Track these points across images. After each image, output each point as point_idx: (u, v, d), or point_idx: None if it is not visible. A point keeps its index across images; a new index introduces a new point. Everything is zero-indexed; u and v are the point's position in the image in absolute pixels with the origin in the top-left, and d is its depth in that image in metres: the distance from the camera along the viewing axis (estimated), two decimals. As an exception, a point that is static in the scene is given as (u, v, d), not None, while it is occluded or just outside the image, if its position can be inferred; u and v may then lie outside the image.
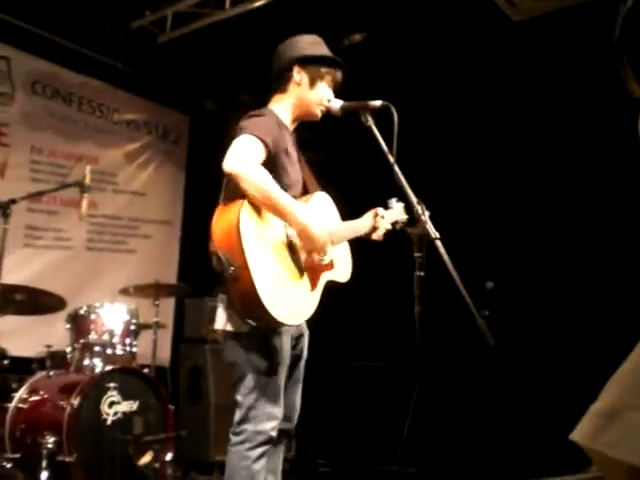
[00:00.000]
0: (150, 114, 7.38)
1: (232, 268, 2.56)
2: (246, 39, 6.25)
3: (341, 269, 3.09)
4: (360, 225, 3.14)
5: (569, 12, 5.26)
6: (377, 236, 3.16)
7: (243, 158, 2.67)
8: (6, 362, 4.84)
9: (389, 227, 3.17)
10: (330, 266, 2.96)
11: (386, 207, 3.23)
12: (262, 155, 2.74)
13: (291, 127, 3.12)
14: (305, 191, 3.12)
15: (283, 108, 3.08)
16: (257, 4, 5.85)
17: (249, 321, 2.68)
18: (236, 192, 2.69)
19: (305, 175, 3.15)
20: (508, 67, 5.79)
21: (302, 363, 3.11)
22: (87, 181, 4.43)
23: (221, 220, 2.67)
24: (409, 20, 5.78)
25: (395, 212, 3.24)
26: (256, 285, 2.54)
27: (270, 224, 2.75)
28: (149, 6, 6.33)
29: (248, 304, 2.63)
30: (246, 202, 2.66)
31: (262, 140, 2.74)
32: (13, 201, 4.36)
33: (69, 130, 6.67)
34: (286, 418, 3.00)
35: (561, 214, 5.49)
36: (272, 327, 2.71)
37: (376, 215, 3.15)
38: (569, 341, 5.19)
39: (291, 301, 2.72)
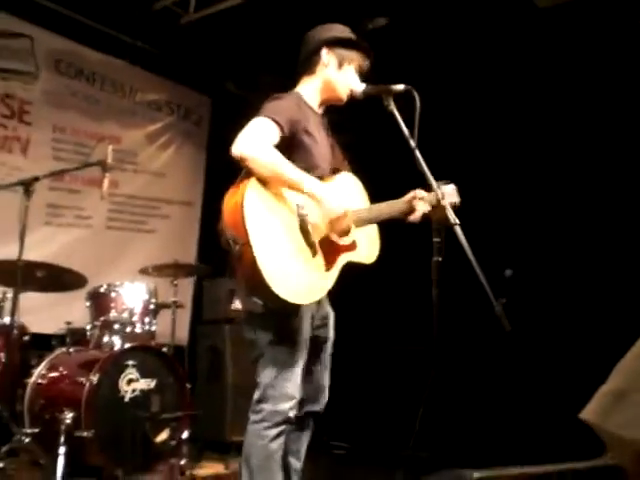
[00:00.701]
0: (172, 95, 7.41)
1: (237, 246, 2.60)
2: (269, 21, 6.23)
3: (365, 250, 3.07)
4: (393, 208, 3.05)
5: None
6: (414, 218, 3.02)
7: (250, 141, 2.69)
8: (26, 338, 4.92)
9: (427, 209, 2.99)
10: (351, 247, 2.96)
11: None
12: (275, 135, 2.76)
13: (318, 109, 3.14)
14: (335, 173, 3.13)
15: (310, 90, 3.11)
16: (281, -15, 5.83)
17: (255, 299, 2.70)
18: (248, 173, 2.72)
19: (336, 158, 3.17)
20: (532, 52, 5.74)
21: (329, 345, 3.11)
22: (109, 160, 4.45)
23: (230, 199, 2.70)
24: (433, 4, 5.75)
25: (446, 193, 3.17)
26: (258, 262, 2.55)
27: (281, 203, 2.75)
28: (173, -14, 6.33)
29: (252, 281, 2.65)
30: (253, 181, 2.68)
31: (275, 121, 2.76)
32: (36, 179, 4.38)
33: (92, 109, 6.70)
34: (315, 400, 3.03)
35: (582, 202, 5.47)
36: (280, 305, 2.68)
37: (414, 197, 3.03)
38: (585, 328, 5.18)
39: (298, 279, 2.71)
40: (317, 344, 3.02)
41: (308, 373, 2.97)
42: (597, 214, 5.37)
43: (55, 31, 6.41)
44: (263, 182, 2.71)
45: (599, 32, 5.37)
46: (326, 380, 3.11)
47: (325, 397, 3.11)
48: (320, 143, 3.01)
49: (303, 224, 2.77)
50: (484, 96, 6.01)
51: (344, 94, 3.10)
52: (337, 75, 3.08)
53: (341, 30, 3.15)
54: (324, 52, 3.08)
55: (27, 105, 6.24)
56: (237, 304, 2.86)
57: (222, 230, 2.66)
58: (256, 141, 2.70)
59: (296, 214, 2.77)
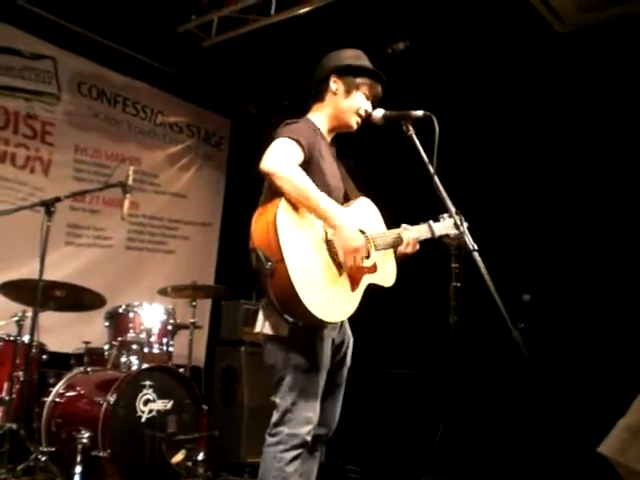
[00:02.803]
0: (193, 117, 7.48)
1: (269, 263, 2.60)
2: (290, 45, 6.29)
3: (385, 274, 3.08)
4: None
5: (615, 24, 5.24)
6: (403, 248, 3.05)
7: (280, 158, 2.73)
8: (45, 357, 4.95)
9: (415, 235, 3.05)
10: (372, 269, 2.97)
11: (436, 219, 3.18)
12: (299, 156, 2.80)
13: (328, 137, 3.16)
14: (347, 200, 3.15)
15: (320, 118, 3.13)
16: (302, 11, 5.89)
17: (287, 317, 2.70)
18: (275, 194, 2.74)
19: (347, 185, 3.18)
20: (553, 78, 5.75)
21: (344, 370, 3.11)
22: (130, 182, 4.49)
23: (260, 218, 2.72)
24: (453, 29, 5.78)
25: (445, 225, 3.19)
26: (292, 278, 2.57)
27: (309, 222, 2.77)
28: (195, 11, 6.40)
29: (285, 298, 2.64)
30: (284, 200, 2.70)
31: (298, 142, 2.80)
32: (58, 199, 4.42)
33: (113, 131, 6.78)
34: (324, 424, 3.01)
35: (600, 228, 5.45)
36: (310, 323, 2.70)
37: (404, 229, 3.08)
38: (605, 355, 5.15)
39: (328, 298, 2.72)
40: (333, 369, 3.02)
41: (321, 397, 2.97)
42: (617, 239, 5.34)
43: (78, 53, 6.50)
44: (290, 200, 2.73)
45: (619, 56, 5.37)
46: (338, 405, 3.10)
47: (335, 422, 3.09)
48: (332, 169, 3.02)
49: (330, 244, 2.79)
50: (503, 121, 6.01)
51: (353, 121, 3.11)
52: (345, 102, 3.09)
53: (352, 56, 3.16)
54: (332, 80, 3.10)
55: (49, 126, 6.32)
56: (258, 327, 2.85)
57: (252, 249, 2.68)
58: (283, 158, 2.73)
59: (322, 232, 2.79)
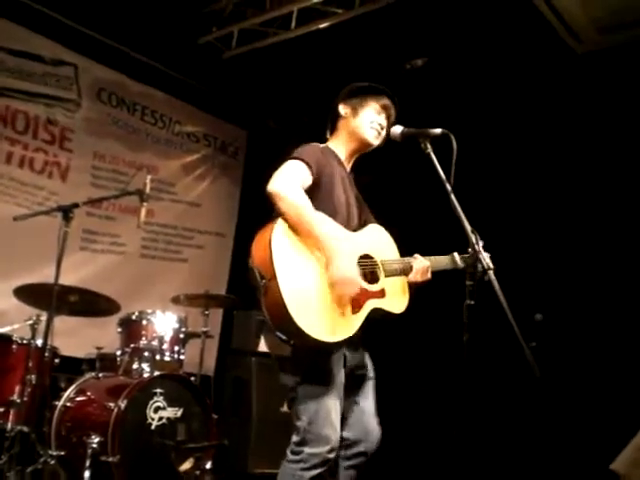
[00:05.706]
0: (210, 127, 7.53)
1: (263, 281, 2.64)
2: (309, 60, 6.33)
3: (395, 301, 3.06)
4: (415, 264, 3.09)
5: (634, 46, 5.26)
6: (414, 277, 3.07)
7: (284, 180, 2.79)
8: (57, 361, 4.97)
9: (423, 265, 3.07)
10: (379, 294, 2.97)
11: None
12: (306, 177, 2.88)
13: (347, 163, 3.24)
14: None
15: (337, 144, 3.23)
16: (322, 25, 5.93)
17: (280, 335, 2.72)
18: (277, 214, 2.79)
19: (363, 212, 3.24)
20: (571, 97, 5.76)
21: (370, 383, 3.09)
22: (147, 190, 4.52)
23: (259, 237, 2.76)
24: (471, 46, 5.80)
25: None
26: (283, 296, 2.59)
27: (309, 243, 2.79)
28: (216, 22, 6.46)
29: (277, 316, 2.66)
30: (282, 219, 2.75)
31: (306, 162, 2.88)
32: (76, 205, 4.45)
33: (131, 139, 6.84)
34: (361, 441, 2.99)
35: (614, 250, 5.44)
36: (302, 343, 2.69)
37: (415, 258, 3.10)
38: (616, 374, 5.13)
39: (322, 316, 2.71)
40: (358, 385, 3.02)
41: (353, 414, 2.97)
42: (630, 260, 5.34)
43: (99, 61, 6.58)
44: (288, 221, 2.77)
45: (638, 78, 5.38)
46: (373, 418, 3.07)
47: (373, 438, 3.04)
48: (342, 193, 3.05)
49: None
50: (520, 139, 6.02)
51: (368, 135, 3.18)
52: (355, 121, 3.19)
53: (358, 83, 3.28)
54: (340, 107, 3.23)
55: (68, 132, 6.38)
56: (262, 345, 2.88)
57: (250, 268, 2.72)
58: (288, 180, 2.80)
59: (323, 255, 2.80)
